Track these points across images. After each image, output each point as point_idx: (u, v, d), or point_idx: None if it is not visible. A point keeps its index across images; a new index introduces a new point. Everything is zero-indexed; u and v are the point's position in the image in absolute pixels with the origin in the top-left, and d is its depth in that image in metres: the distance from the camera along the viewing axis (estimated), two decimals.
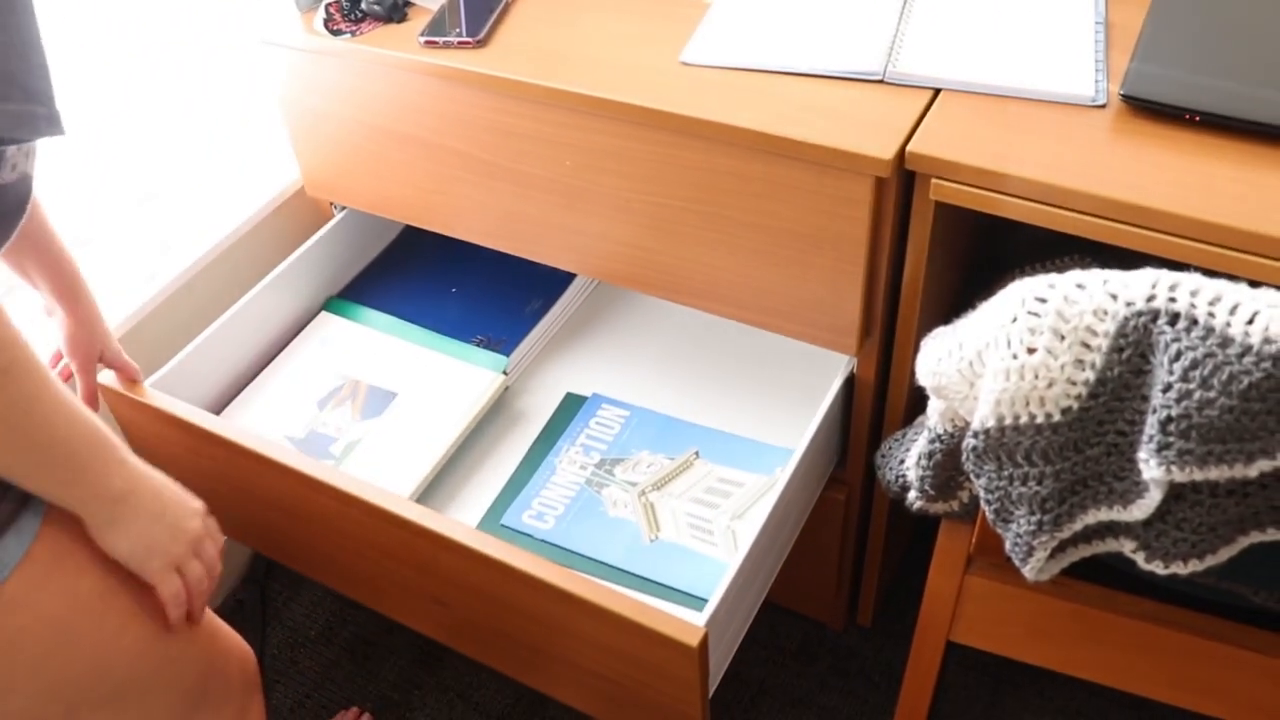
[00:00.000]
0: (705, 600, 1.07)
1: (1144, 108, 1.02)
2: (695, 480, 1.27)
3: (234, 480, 1.23)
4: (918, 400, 1.13)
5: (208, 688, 1.04)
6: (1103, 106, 1.04)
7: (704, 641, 0.97)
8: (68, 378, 1.19)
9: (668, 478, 1.28)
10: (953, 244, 1.20)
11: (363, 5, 1.28)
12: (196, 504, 0.93)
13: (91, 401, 1.20)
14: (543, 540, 1.23)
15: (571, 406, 1.39)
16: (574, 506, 1.26)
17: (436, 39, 1.21)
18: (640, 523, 1.23)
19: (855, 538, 1.43)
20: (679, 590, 1.16)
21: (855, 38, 1.14)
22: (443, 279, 1.57)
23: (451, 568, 1.10)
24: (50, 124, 0.78)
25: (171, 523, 0.88)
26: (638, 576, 1.18)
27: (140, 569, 0.87)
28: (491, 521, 1.26)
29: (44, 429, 0.78)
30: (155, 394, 1.24)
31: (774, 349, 1.44)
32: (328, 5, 1.30)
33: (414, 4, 1.29)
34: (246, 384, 1.42)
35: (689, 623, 0.98)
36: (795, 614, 1.60)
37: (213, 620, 1.07)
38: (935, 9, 1.17)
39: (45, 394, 0.78)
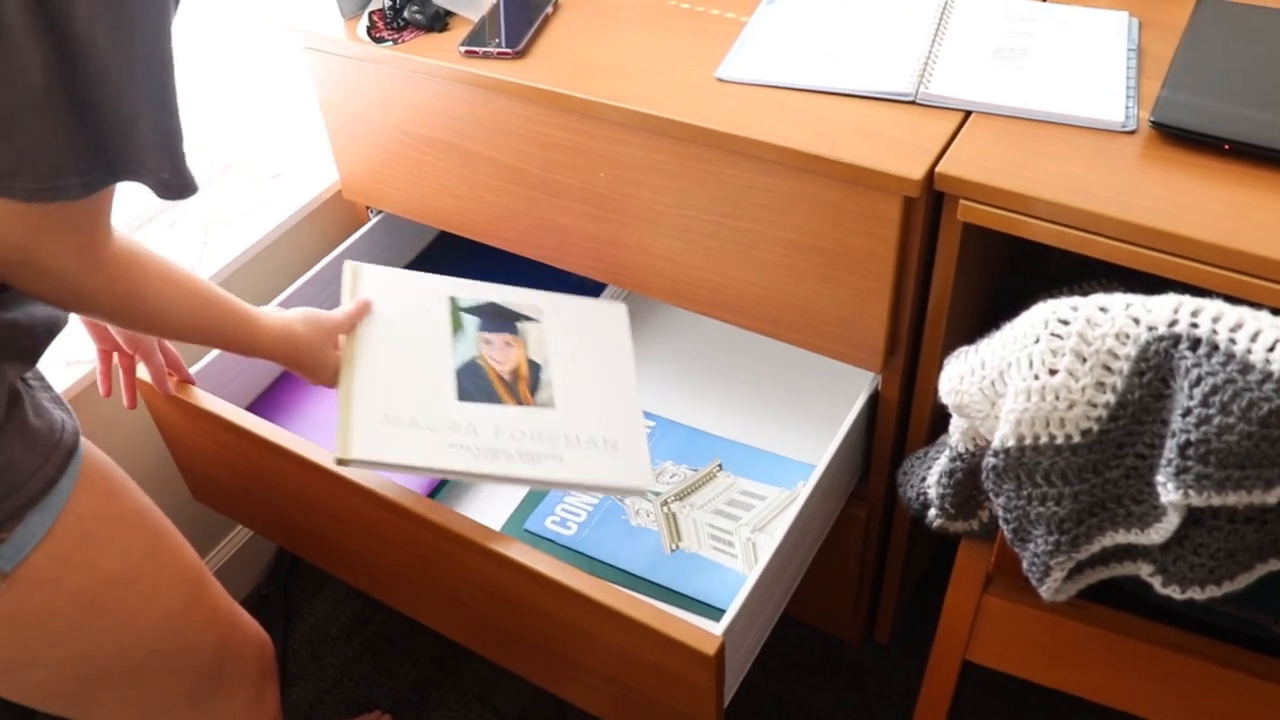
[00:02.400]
0: (724, 611, 1.08)
1: (1173, 135, 1.02)
2: (718, 492, 1.28)
3: (262, 476, 1.26)
4: (941, 419, 1.13)
5: (224, 671, 1.06)
6: (1133, 133, 1.04)
7: (720, 651, 0.98)
8: (129, 371, 1.21)
9: (690, 488, 1.29)
10: (980, 265, 1.21)
11: (405, 14, 1.30)
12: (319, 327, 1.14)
13: (162, 384, 1.23)
14: (565, 546, 1.24)
15: None
16: (597, 514, 1.27)
17: (476, 49, 1.23)
18: (662, 532, 1.24)
19: (875, 555, 1.43)
20: (698, 600, 1.17)
21: (888, 58, 1.15)
22: None
23: (473, 569, 1.11)
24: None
25: (317, 353, 1.12)
26: (658, 585, 1.19)
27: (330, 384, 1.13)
28: (515, 526, 1.27)
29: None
30: (188, 389, 1.26)
31: (800, 364, 1.44)
32: (371, 13, 1.33)
33: (455, 14, 1.31)
34: (278, 383, 1.44)
35: (707, 631, 0.99)
36: (814, 629, 1.60)
37: (233, 606, 1.09)
38: (968, 32, 1.18)
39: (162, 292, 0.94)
